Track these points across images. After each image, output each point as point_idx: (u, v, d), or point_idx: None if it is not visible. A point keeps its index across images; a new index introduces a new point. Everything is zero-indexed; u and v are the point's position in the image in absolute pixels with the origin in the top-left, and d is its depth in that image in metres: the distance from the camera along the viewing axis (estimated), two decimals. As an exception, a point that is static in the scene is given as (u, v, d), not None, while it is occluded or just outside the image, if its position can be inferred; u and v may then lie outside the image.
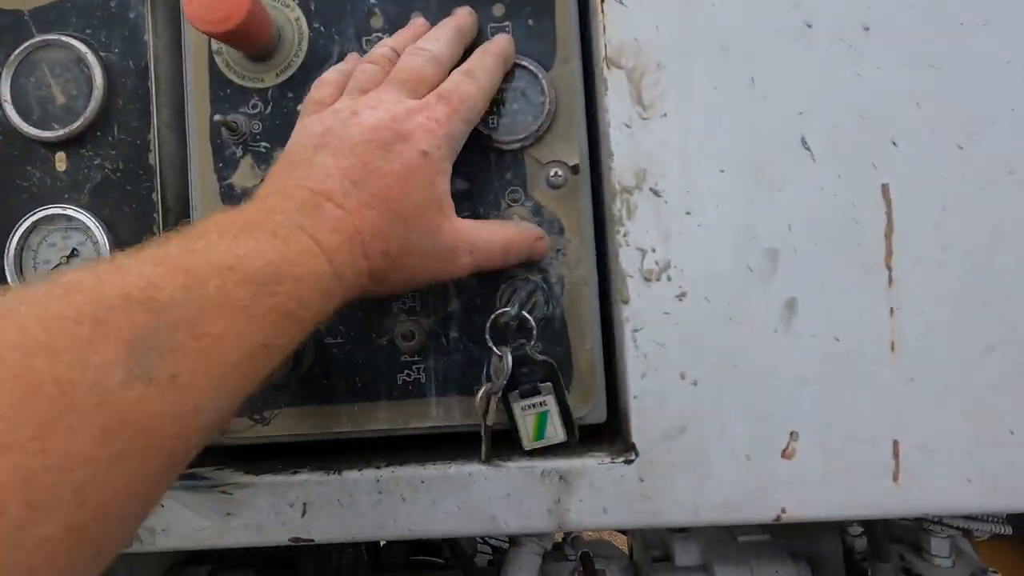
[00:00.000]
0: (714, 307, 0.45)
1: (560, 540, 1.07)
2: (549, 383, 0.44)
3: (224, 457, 0.51)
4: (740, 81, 0.45)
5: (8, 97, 0.50)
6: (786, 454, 0.44)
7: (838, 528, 0.98)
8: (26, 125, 0.50)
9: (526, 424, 0.44)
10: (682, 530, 1.12)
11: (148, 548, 0.47)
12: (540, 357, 0.45)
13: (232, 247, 0.32)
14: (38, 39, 0.50)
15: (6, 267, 0.50)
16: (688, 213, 0.45)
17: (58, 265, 0.51)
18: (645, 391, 0.45)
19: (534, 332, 0.45)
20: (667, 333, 0.45)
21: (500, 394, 0.44)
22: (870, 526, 0.74)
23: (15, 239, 0.50)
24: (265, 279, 0.32)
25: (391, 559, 1.13)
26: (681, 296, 0.45)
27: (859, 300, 0.44)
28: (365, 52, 0.50)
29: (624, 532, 1.20)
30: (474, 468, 0.46)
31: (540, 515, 0.45)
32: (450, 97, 0.42)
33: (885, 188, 0.44)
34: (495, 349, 0.44)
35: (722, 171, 0.45)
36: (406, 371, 0.49)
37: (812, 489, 0.44)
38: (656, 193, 0.45)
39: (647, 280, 0.45)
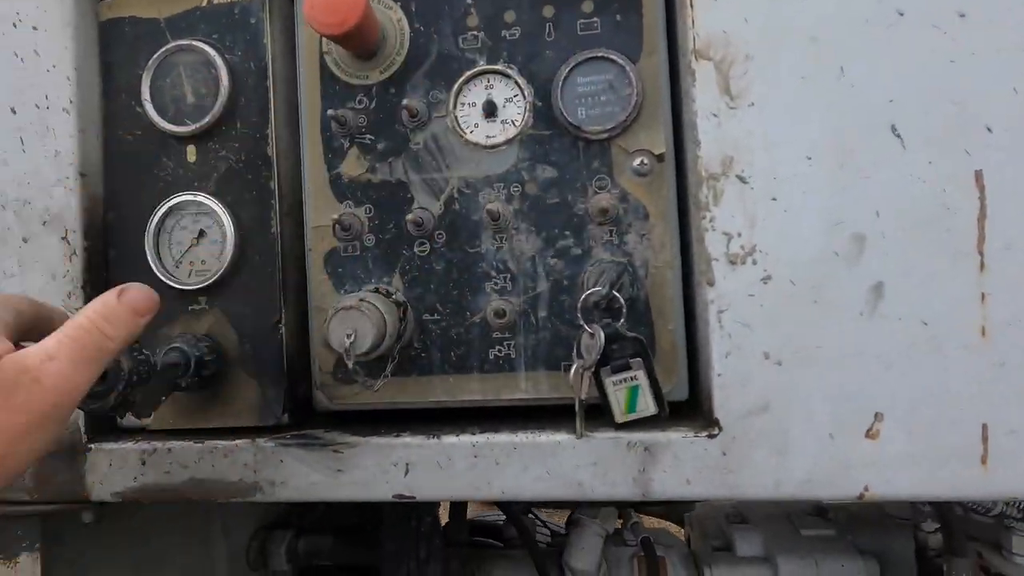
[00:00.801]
0: (799, 290, 0.46)
1: (620, 527, 1.09)
2: (639, 358, 0.46)
3: (331, 423, 0.56)
4: (828, 70, 0.46)
5: (148, 96, 0.57)
6: (870, 434, 0.45)
7: (910, 525, 0.96)
8: (163, 121, 0.56)
9: (618, 398, 0.47)
10: (743, 521, 1.12)
11: (269, 498, 0.52)
12: (630, 334, 0.47)
13: None
14: (173, 44, 0.56)
15: (146, 248, 0.56)
16: (774, 199, 0.46)
17: (190, 247, 0.57)
18: (729, 370, 0.47)
19: (623, 311, 0.47)
20: (751, 314, 0.47)
21: (593, 370, 0.47)
22: (946, 521, 0.74)
23: (153, 223, 0.57)
24: None
25: (456, 537, 1.18)
26: (766, 279, 0.46)
27: (949, 285, 0.44)
28: (461, 50, 0.54)
29: (680, 523, 1.21)
30: (563, 437, 0.49)
31: (625, 483, 0.47)
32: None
33: (979, 174, 0.44)
34: (587, 327, 0.47)
35: (809, 158, 0.46)
36: (497, 347, 0.53)
37: (896, 469, 0.45)
38: (742, 180, 0.47)
39: (732, 263, 0.47)
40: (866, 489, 0.45)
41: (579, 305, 0.48)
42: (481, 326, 0.53)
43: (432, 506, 0.79)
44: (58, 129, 0.56)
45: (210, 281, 0.56)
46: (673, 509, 1.32)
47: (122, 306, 0.41)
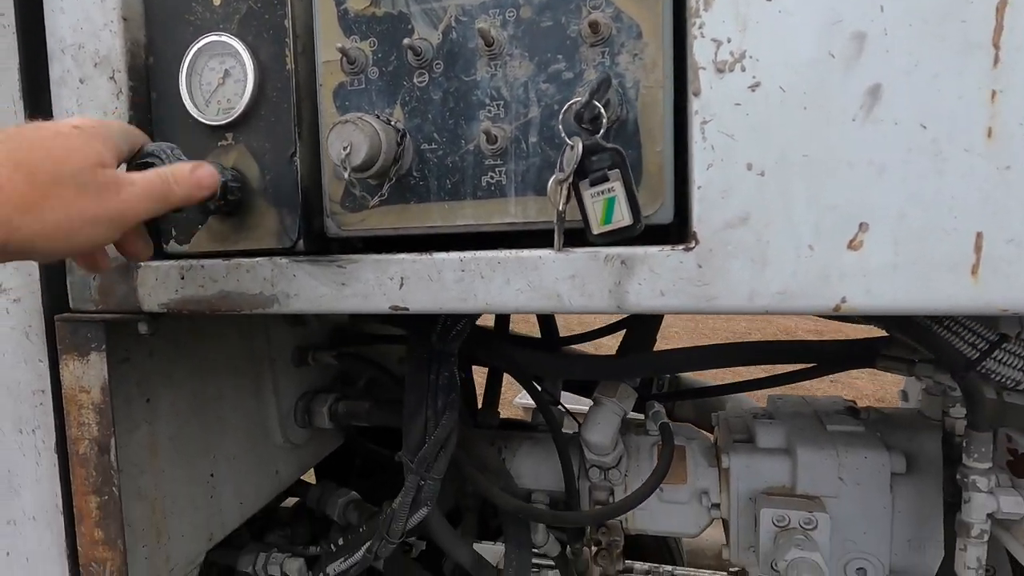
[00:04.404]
0: (788, 96, 0.44)
1: (644, 418, 1.12)
2: (617, 170, 0.47)
3: (341, 250, 0.60)
4: None
5: (176, -58, 0.61)
6: (852, 245, 0.44)
7: (940, 426, 0.92)
8: (190, -34, 0.60)
9: (595, 210, 0.48)
10: (768, 417, 1.11)
11: (284, 310, 0.58)
12: (609, 145, 0.47)
13: None
14: None
15: (181, 89, 0.62)
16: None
17: (217, 87, 0.62)
18: (710, 182, 0.46)
19: (603, 121, 0.47)
20: (736, 124, 0.45)
21: (571, 181, 0.48)
22: (969, 394, 0.70)
23: (185, 65, 0.62)
24: None
25: (485, 420, 1.25)
26: (754, 87, 0.45)
27: (955, 84, 0.41)
28: None
29: (711, 430, 1.22)
30: (544, 252, 0.51)
31: (601, 296, 0.49)
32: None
33: (1002, -45, 0.40)
34: (567, 139, 0.48)
35: (810, -47, 0.43)
36: (489, 173, 0.55)
37: (877, 280, 0.43)
38: (736, -19, 0.45)
39: (720, 72, 0.46)
40: (843, 301, 0.44)
41: (560, 116, 0.48)
42: (475, 154, 0.55)
43: (450, 362, 0.84)
44: (102, -24, 0.62)
45: (234, 118, 0.61)
46: (704, 413, 1.33)
47: (192, 177, 0.53)
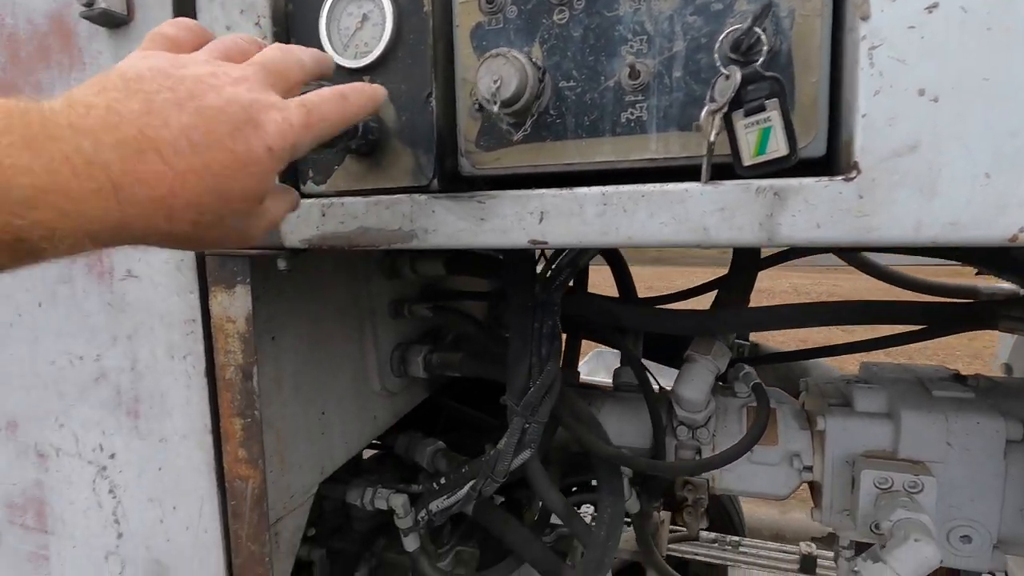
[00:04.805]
0: (970, 17, 0.42)
1: (736, 378, 1.11)
2: (775, 99, 0.46)
3: (474, 189, 0.62)
4: None
5: None
6: (1035, 172, 0.42)
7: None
8: (331, -88, 0.62)
9: (748, 141, 0.48)
10: (865, 382, 1.08)
11: (423, 244, 0.61)
12: (768, 74, 0.47)
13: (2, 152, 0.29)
14: None
15: (320, 34, 0.64)
16: (954, -87, 0.42)
17: (355, 31, 0.65)
18: (876, 109, 0.45)
19: (763, 50, 0.47)
20: (909, 48, 0.44)
21: (725, 111, 0.47)
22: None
23: (325, 11, 0.64)
24: (16, 199, 0.29)
25: (569, 379, 1.27)
26: (931, 7, 0.43)
27: None
28: None
29: (797, 396, 1.19)
30: (691, 185, 0.51)
31: (751, 228, 0.49)
32: (311, 111, 0.43)
33: None
34: (721, 69, 0.48)
35: None
36: (629, 110, 0.55)
37: (1062, 209, 0.42)
38: None
39: (893, -7, 0.44)
40: (1021, 230, 0.43)
41: (717, 45, 0.48)
42: (615, 90, 0.55)
43: (553, 312, 0.86)
44: (249, -75, 0.65)
45: (371, 61, 0.63)
46: (785, 380, 1.30)
47: (351, 104, 0.49)
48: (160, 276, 0.73)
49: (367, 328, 1.07)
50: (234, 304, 0.70)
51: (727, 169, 0.50)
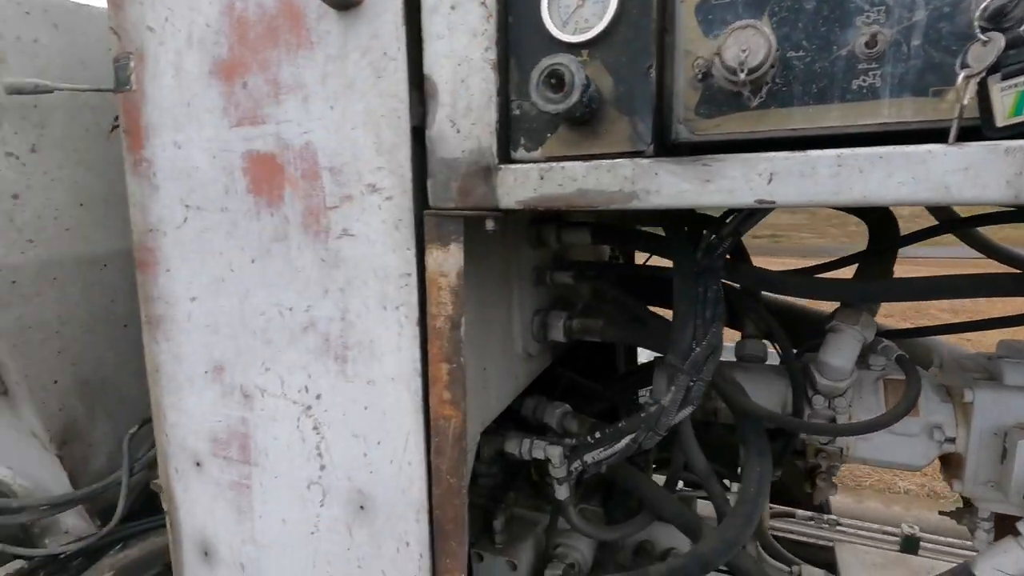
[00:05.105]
0: None
1: (874, 351, 1.12)
2: (1037, 61, 0.49)
3: (690, 155, 0.67)
4: None
5: None
6: None
7: None
8: None
9: (1004, 103, 0.51)
10: (1012, 358, 1.08)
11: (644, 205, 0.66)
12: (1030, 38, 0.49)
13: None
14: None
15: (543, 13, 0.70)
16: None
17: (575, 9, 0.70)
18: None
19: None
20: None
21: (982, 76, 0.50)
22: None
23: (546, -11, 0.70)
24: None
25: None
26: None
27: None
28: None
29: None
30: (933, 147, 0.54)
31: (998, 186, 0.52)
32: None
33: None
34: (980, 35, 0.51)
35: None
36: (861, 77, 0.59)
37: None
38: None
39: None
40: None
41: (977, 13, 0.51)
42: (847, 58, 0.59)
43: (716, 277, 0.90)
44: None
45: (591, 36, 0.68)
46: (913, 355, 1.31)
47: None
48: (376, 235, 0.81)
49: (513, 293, 1.14)
50: (448, 261, 0.77)
51: (968, 132, 0.53)
